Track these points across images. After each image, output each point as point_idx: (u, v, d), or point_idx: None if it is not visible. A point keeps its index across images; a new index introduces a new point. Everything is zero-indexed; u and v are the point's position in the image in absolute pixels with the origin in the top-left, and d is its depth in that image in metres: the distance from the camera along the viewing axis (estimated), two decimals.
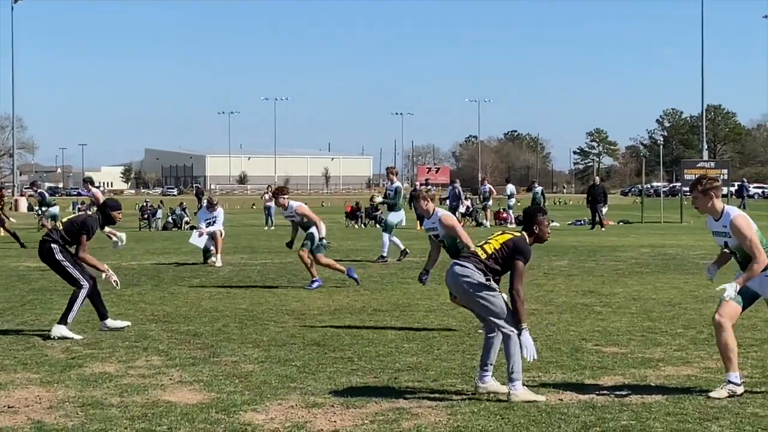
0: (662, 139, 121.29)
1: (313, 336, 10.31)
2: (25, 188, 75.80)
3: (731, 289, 7.33)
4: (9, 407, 7.22)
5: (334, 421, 6.76)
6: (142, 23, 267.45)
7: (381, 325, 11.10)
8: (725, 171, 41.60)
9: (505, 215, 38.89)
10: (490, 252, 7.50)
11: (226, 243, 22.04)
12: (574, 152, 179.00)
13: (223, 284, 15.66)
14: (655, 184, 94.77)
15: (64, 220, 10.96)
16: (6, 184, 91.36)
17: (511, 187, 40.47)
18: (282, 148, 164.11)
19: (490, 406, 7.09)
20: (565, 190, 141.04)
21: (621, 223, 38.58)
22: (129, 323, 11.02)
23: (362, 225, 42.05)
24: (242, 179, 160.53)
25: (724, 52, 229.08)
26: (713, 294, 10.54)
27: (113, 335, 10.41)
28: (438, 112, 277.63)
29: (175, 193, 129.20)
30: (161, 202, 52.45)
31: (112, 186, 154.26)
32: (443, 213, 10.87)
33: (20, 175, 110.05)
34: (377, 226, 38.10)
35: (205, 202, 21.22)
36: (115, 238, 11.61)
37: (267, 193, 41.95)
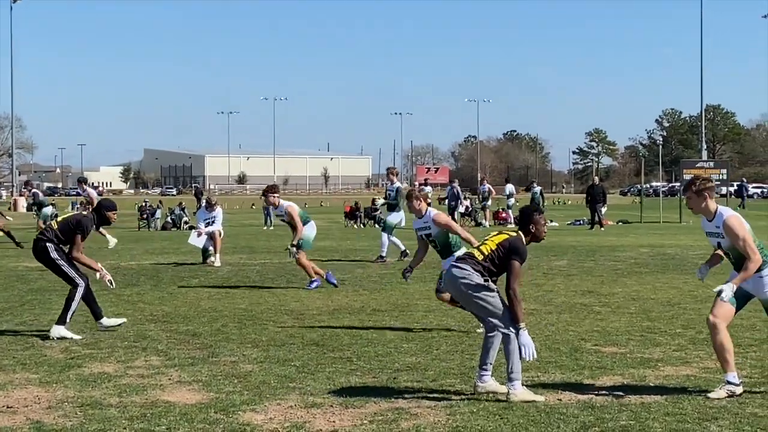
0: (661, 139, 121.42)
1: (312, 336, 10.30)
2: (23, 189, 75.73)
3: (728, 289, 7.34)
4: (8, 407, 7.22)
5: (333, 421, 6.75)
6: (141, 23, 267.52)
7: (380, 325, 11.10)
8: (724, 171, 41.61)
9: (504, 215, 38.88)
10: (486, 253, 7.51)
11: (225, 243, 22.03)
12: (574, 152, 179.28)
13: (222, 284, 15.66)
14: (654, 184, 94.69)
15: (59, 219, 10.94)
16: (5, 184, 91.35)
17: (510, 187, 40.45)
18: (281, 148, 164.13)
19: (489, 406, 7.09)
20: (564, 190, 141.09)
21: (620, 223, 38.57)
22: (125, 320, 11.05)
23: (361, 225, 42.04)
24: (241, 179, 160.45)
25: (724, 52, 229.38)
26: (712, 294, 10.53)
27: (112, 335, 10.40)
28: (437, 112, 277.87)
29: (174, 193, 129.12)
30: (160, 202, 52.42)
31: (111, 186, 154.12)
32: (435, 212, 10.90)
33: (19, 174, 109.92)
34: (376, 226, 38.11)
35: (204, 202, 21.22)
36: (109, 238, 11.60)
37: None
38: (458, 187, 38.11)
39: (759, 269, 7.37)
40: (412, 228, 11.12)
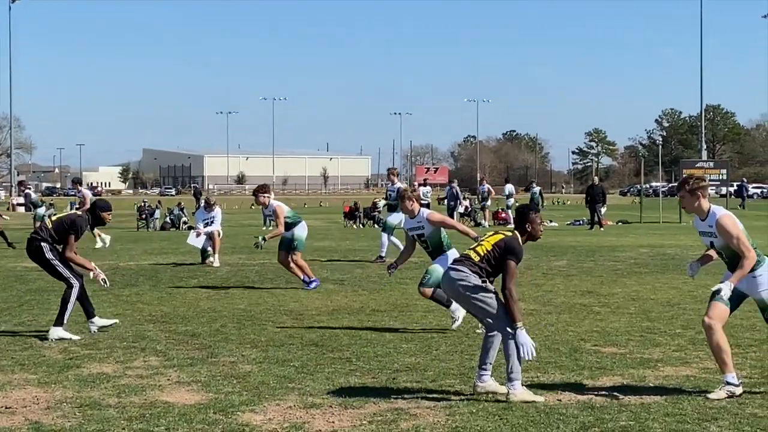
0: (661, 139, 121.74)
1: (311, 336, 10.29)
2: (19, 189, 75.65)
3: (727, 288, 7.34)
4: (6, 408, 7.21)
5: (333, 422, 6.74)
6: (140, 23, 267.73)
7: (379, 325, 11.09)
8: (724, 171, 41.66)
9: (503, 215, 38.89)
10: (482, 254, 7.52)
11: (224, 243, 22.02)
12: (573, 152, 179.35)
13: (221, 284, 15.64)
14: (654, 184, 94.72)
15: (54, 218, 10.91)
16: (4, 184, 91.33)
17: (509, 187, 40.47)
18: (280, 148, 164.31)
19: (489, 407, 7.08)
20: (563, 190, 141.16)
21: (620, 223, 38.57)
22: (117, 321, 11.03)
23: (360, 225, 42.05)
24: (240, 179, 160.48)
25: (724, 52, 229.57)
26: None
27: (111, 336, 10.39)
28: (437, 112, 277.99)
29: (173, 193, 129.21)
30: (159, 202, 52.46)
31: (110, 186, 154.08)
32: (428, 211, 10.93)
33: (18, 175, 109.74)
34: (375, 226, 38.10)
35: (203, 202, 21.21)
36: (99, 240, 11.60)
37: None
38: (457, 188, 38.12)
39: (752, 269, 7.37)
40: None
